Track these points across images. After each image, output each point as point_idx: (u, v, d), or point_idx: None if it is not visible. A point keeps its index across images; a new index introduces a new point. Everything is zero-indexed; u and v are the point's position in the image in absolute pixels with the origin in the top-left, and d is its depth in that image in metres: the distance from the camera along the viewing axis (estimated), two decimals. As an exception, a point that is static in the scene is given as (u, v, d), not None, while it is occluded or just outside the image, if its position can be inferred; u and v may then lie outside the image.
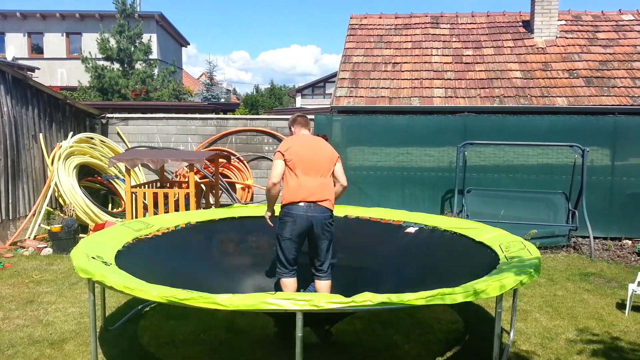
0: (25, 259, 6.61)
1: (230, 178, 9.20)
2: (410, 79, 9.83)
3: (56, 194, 7.87)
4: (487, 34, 11.11)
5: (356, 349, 3.94)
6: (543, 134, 7.87)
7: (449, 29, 11.40)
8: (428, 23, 11.61)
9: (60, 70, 23.73)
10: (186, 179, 8.56)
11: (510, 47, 10.62)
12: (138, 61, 19.67)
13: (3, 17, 23.45)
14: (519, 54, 10.34)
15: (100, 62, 19.08)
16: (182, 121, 9.48)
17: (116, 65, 19.45)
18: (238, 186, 9.19)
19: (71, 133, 8.56)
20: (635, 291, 4.75)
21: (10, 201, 7.34)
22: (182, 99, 21.35)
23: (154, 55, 21.50)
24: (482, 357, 3.78)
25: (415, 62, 10.31)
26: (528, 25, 11.17)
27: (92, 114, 9.30)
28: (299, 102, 31.60)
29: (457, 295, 2.69)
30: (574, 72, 9.67)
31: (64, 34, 23.97)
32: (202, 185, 8.04)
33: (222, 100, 25.82)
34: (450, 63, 10.24)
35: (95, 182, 8.75)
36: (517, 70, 9.86)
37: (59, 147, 8.08)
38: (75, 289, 5.40)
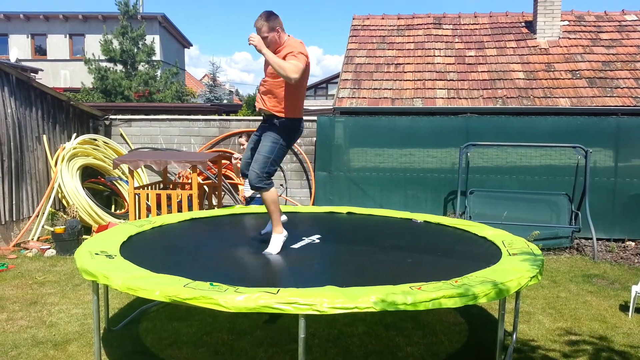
0: (28, 260, 6.63)
1: (233, 179, 9.21)
2: (412, 80, 9.84)
3: (60, 195, 7.89)
4: (489, 35, 11.11)
5: (359, 351, 3.94)
6: (546, 135, 7.86)
7: (452, 29, 11.40)
8: (430, 24, 11.62)
9: (64, 71, 23.81)
10: (189, 180, 8.58)
11: (513, 47, 10.61)
12: (141, 62, 19.73)
13: (6, 18, 23.53)
14: (522, 55, 10.33)
15: (103, 64, 19.15)
16: (185, 122, 9.50)
17: (119, 67, 19.52)
18: (241, 187, 9.20)
19: (75, 134, 8.58)
20: (639, 293, 4.74)
21: (13, 202, 7.36)
22: (185, 101, 21.40)
23: (157, 56, 21.56)
24: (485, 359, 3.78)
25: (417, 63, 10.31)
26: (531, 25, 11.16)
27: (96, 116, 9.33)
28: (302, 103, 31.53)
29: (459, 299, 2.69)
30: (577, 72, 9.66)
31: (67, 35, 24.04)
32: (205, 187, 8.05)
33: (225, 101, 25.87)
34: (453, 64, 10.24)
35: (99, 184, 8.77)
36: (520, 71, 9.86)
37: (63, 148, 8.11)
38: (78, 290, 5.42)
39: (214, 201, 8.12)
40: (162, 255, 3.80)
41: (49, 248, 6.99)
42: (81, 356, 3.85)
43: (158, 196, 7.00)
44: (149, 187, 7.62)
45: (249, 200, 6.87)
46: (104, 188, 8.85)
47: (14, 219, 7.41)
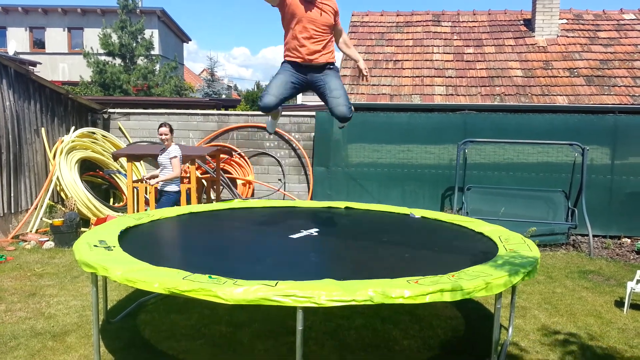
0: (27, 253, 6.64)
1: (232, 174, 9.23)
2: (411, 77, 9.85)
3: (58, 188, 7.90)
4: (488, 32, 11.12)
5: (356, 344, 3.97)
6: (543, 133, 7.89)
7: (451, 26, 11.41)
8: (429, 21, 11.63)
9: (62, 65, 23.75)
10: (187, 174, 8.59)
11: (511, 45, 10.63)
12: (140, 57, 19.70)
13: (5, 11, 23.45)
14: (520, 53, 10.36)
15: (102, 58, 19.11)
16: (183, 117, 9.50)
17: (118, 61, 19.49)
18: (239, 182, 9.22)
19: (73, 127, 8.58)
20: (634, 289, 4.78)
21: (12, 195, 7.37)
22: (184, 95, 21.38)
23: (156, 51, 21.53)
24: (481, 354, 3.81)
25: (416, 60, 10.33)
26: (529, 23, 11.18)
27: (94, 109, 9.33)
28: (300, 98, 31.57)
29: (454, 292, 2.72)
30: (575, 70, 9.69)
31: (66, 29, 23.98)
32: (203, 181, 8.07)
33: (224, 96, 25.84)
34: (452, 61, 10.26)
35: (97, 177, 8.78)
36: (518, 69, 9.88)
37: (61, 141, 8.11)
38: (77, 282, 5.44)
39: (212, 195, 8.14)
40: (160, 248, 3.83)
41: (48, 240, 7.00)
42: (80, 347, 3.88)
43: (157, 189, 7.00)
44: (148, 180, 7.62)
45: (159, 194, 6.38)
46: (102, 181, 8.86)
47: (12, 211, 7.42)
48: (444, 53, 10.52)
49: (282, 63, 4.22)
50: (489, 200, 7.83)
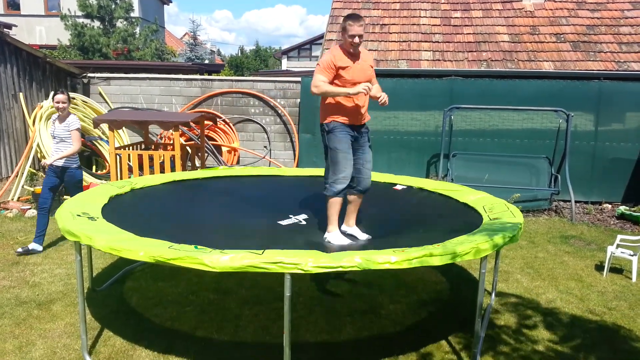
0: (9, 221, 6.54)
1: (216, 140, 9.13)
2: (398, 41, 9.73)
3: (39, 155, 7.74)
4: (476, -4, 10.96)
5: (343, 309, 4.02)
6: (529, 99, 7.89)
7: (438, -10, 11.21)
8: (417, -17, 11.39)
9: (39, 28, 22.96)
10: (171, 141, 8.47)
11: (498, 9, 10.52)
12: (119, 19, 19.09)
13: (-24, -30, 22.46)
14: (507, 17, 10.26)
15: (80, 20, 18.48)
16: (166, 82, 9.31)
17: (96, 23, 18.88)
18: (224, 149, 9.13)
19: (52, 93, 8.36)
20: (614, 253, 4.89)
21: (-9, 162, 7.22)
22: (165, 59, 20.89)
23: (136, 13, 20.87)
24: (465, 317, 3.89)
25: (403, 24, 10.18)
26: (518, -13, 11.03)
27: (73, 73, 9.08)
28: (285, 64, 31.12)
29: (440, 257, 2.74)
30: (562, 36, 9.64)
31: (41, -11, 23.07)
32: (188, 148, 7.96)
33: (207, 61, 25.34)
34: (439, 25, 10.13)
35: (78, 144, 8.60)
36: (505, 34, 9.80)
37: (40, 107, 7.91)
38: (61, 250, 5.39)
39: (197, 162, 8.06)
40: (144, 219, 3.77)
41: (30, 208, 6.90)
42: (65, 315, 3.87)
43: (140, 157, 6.91)
44: (131, 147, 7.51)
45: (61, 173, 5.41)
46: (84, 148, 8.70)
47: (-8, 179, 7.28)
48: (431, 17, 10.38)
49: (335, 128, 3.87)
50: (474, 167, 7.87)
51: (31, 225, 6.36)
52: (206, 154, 8.38)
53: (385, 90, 4.02)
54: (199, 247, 2.71)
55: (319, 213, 4.43)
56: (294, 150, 9.14)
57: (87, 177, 7.78)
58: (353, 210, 4.11)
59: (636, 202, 7.55)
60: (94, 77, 9.29)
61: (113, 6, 18.87)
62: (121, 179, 6.89)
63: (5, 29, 13.66)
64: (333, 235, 3.93)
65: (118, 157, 6.89)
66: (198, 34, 26.74)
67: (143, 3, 23.58)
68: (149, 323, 3.79)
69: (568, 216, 7.17)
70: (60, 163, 5.34)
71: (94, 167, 8.81)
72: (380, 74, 8.80)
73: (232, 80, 9.39)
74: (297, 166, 8.85)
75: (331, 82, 3.79)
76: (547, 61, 9.07)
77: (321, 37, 21.49)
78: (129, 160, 7.00)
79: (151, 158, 7.02)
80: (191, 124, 8.46)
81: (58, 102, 5.25)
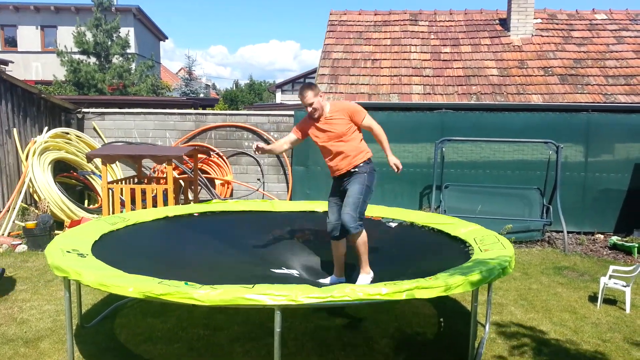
0: (-2, 256, 6.48)
1: (210, 174, 9.14)
2: (389, 76, 9.90)
3: (31, 190, 7.72)
4: (464, 32, 11.23)
5: (335, 344, 3.97)
6: (519, 131, 8.00)
7: (428, 26, 11.49)
8: (407, 20, 11.69)
9: (35, 64, 23.25)
10: (164, 175, 8.48)
11: (487, 44, 10.75)
12: (115, 55, 19.37)
13: (-26, 9, 22.86)
14: (496, 52, 10.48)
15: (76, 56, 18.74)
16: (160, 116, 9.38)
17: (92, 60, 19.14)
18: (217, 182, 9.14)
19: (46, 128, 8.40)
20: (607, 284, 4.88)
21: (-18, 197, 7.18)
22: (161, 94, 21.11)
23: (132, 49, 21.20)
24: (459, 350, 3.85)
25: (394, 59, 10.37)
26: (505, 23, 11.32)
27: (68, 109, 9.14)
28: (279, 97, 31.46)
29: (430, 289, 2.73)
30: (549, 69, 9.85)
31: (39, 27, 23.46)
32: (181, 181, 7.97)
33: (202, 95, 25.62)
34: (429, 60, 10.33)
35: (71, 178, 8.61)
36: (494, 68, 10.00)
37: (34, 142, 7.93)
38: (50, 287, 5.32)
39: (190, 195, 8.05)
40: (135, 257, 3.75)
41: (20, 243, 6.84)
42: (53, 353, 3.79)
43: (132, 191, 6.91)
44: (123, 181, 7.52)
45: None
46: (76, 182, 8.69)
47: (-17, 215, 7.23)
48: (422, 52, 10.59)
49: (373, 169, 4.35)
50: (466, 198, 7.91)
51: (21, 261, 6.31)
52: (199, 187, 8.39)
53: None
54: (189, 283, 2.69)
55: (313, 264, 4.45)
56: (287, 183, 9.16)
57: (78, 212, 7.75)
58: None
59: (628, 232, 7.58)
60: (88, 112, 9.35)
61: (109, 43, 19.17)
62: (113, 213, 6.87)
63: (2, 65, 13.83)
64: (370, 278, 4.09)
65: (110, 191, 6.88)
66: (193, 69, 27.14)
67: (139, 39, 23.99)
68: (137, 360, 3.73)
69: (561, 247, 7.18)
70: None
71: (86, 201, 8.79)
72: (372, 107, 8.96)
73: (226, 114, 9.47)
74: (291, 199, 8.86)
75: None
76: (535, 94, 9.23)
77: (314, 71, 21.82)
78: (122, 195, 7.00)
79: (144, 192, 7.02)
80: (184, 157, 8.49)
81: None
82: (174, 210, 5.29)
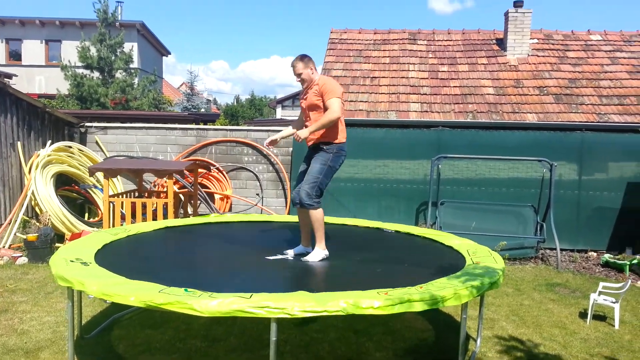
0: None
1: (209, 188, 9.27)
2: (387, 93, 10.08)
3: (33, 203, 7.84)
4: (462, 51, 11.45)
5: (329, 357, 4.05)
6: (514, 149, 8.14)
7: (426, 45, 11.72)
8: (406, 39, 11.92)
9: (39, 77, 23.53)
10: (164, 189, 8.61)
11: (484, 64, 10.96)
12: (118, 70, 19.63)
13: (-20, 23, 23.19)
14: (492, 71, 10.68)
15: (80, 71, 18.99)
16: (161, 131, 9.54)
17: (96, 74, 19.39)
18: (217, 196, 9.26)
19: (49, 141, 8.55)
20: (596, 300, 4.98)
21: (-15, 209, 7.30)
22: (162, 109, 21.34)
23: (135, 64, 21.49)
24: (450, 364, 3.94)
25: (392, 77, 10.57)
26: (501, 43, 11.54)
27: (71, 123, 9.30)
28: (280, 113, 31.74)
29: (422, 302, 2.84)
30: (545, 89, 10.03)
31: (43, 41, 23.79)
32: (181, 195, 8.09)
33: (203, 110, 25.86)
34: (427, 78, 10.53)
35: (73, 191, 8.73)
36: (490, 87, 10.19)
37: (37, 155, 8.07)
38: (50, 298, 5.41)
39: (190, 210, 8.17)
40: (137, 263, 3.87)
41: (21, 256, 6.94)
42: (53, 363, 3.88)
43: (133, 204, 7.02)
44: (124, 195, 7.64)
45: None
46: (77, 196, 8.81)
47: (-14, 226, 7.33)
48: (420, 71, 10.79)
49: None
50: (461, 214, 8.02)
51: (21, 273, 6.40)
52: (199, 202, 8.50)
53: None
54: (188, 290, 2.80)
55: (303, 252, 4.60)
56: (285, 198, 9.28)
57: (79, 225, 7.86)
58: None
59: (620, 250, 7.68)
60: (91, 127, 9.51)
61: (113, 58, 19.43)
62: (114, 226, 6.97)
63: (6, 79, 14.05)
64: (323, 254, 4.33)
65: (111, 204, 7.00)
66: (195, 84, 27.41)
67: (142, 54, 24.30)
68: (136, 370, 3.81)
69: (554, 264, 7.27)
70: None
71: (86, 215, 8.90)
72: (370, 125, 9.15)
73: (226, 130, 9.63)
74: (289, 213, 8.97)
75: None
76: (530, 113, 9.41)
77: (315, 87, 22.07)
78: (122, 208, 7.11)
79: (144, 205, 7.14)
80: (185, 171, 8.62)
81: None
82: (173, 223, 5.41)
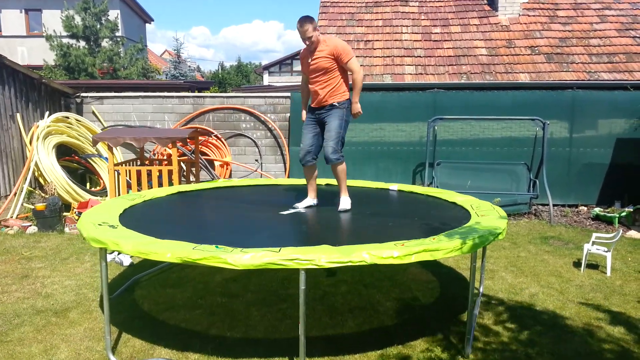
0: (11, 238, 6.71)
1: (209, 155, 9.39)
2: (382, 57, 10.16)
3: (36, 174, 7.92)
4: (454, 12, 11.49)
5: (343, 307, 4.32)
6: (507, 109, 8.34)
7: (418, 6, 11.73)
8: (397, 1, 11.90)
9: (21, 48, 22.99)
10: (164, 157, 8.71)
11: (476, 25, 11.04)
12: (104, 39, 19.29)
13: (-44, -8, 22.47)
14: (484, 32, 10.78)
15: (65, 40, 18.64)
16: (158, 100, 9.57)
17: (82, 43, 19.04)
18: (217, 163, 9.40)
19: (47, 113, 8.56)
20: (590, 250, 5.29)
21: (-10, 181, 7.38)
22: (151, 77, 21.10)
23: (119, 32, 21.09)
24: (456, 310, 4.23)
25: (386, 40, 10.62)
26: (493, 3, 11.60)
27: (67, 94, 9.29)
28: (267, 79, 31.45)
29: (438, 251, 3.07)
30: (536, 48, 10.18)
31: (23, 10, 23.15)
32: (182, 163, 8.21)
33: (189, 77, 25.58)
34: (420, 41, 10.60)
35: (73, 162, 8.81)
36: (483, 48, 10.31)
37: (37, 126, 8.11)
38: (67, 264, 5.59)
39: (192, 177, 8.30)
40: (160, 225, 4.04)
41: (30, 225, 7.08)
42: (83, 321, 4.09)
43: (138, 172, 7.14)
44: (128, 163, 7.74)
45: None
46: (77, 166, 8.90)
47: (-8, 198, 7.43)
48: (413, 33, 10.85)
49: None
50: (457, 174, 8.28)
51: (34, 242, 6.56)
52: (200, 169, 8.64)
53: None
54: (219, 246, 2.99)
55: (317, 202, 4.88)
56: (284, 163, 9.45)
57: (84, 194, 7.98)
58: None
59: (610, 203, 8.02)
60: (87, 97, 9.51)
61: (98, 26, 19.07)
62: (120, 194, 7.11)
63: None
64: (349, 201, 4.67)
65: (116, 173, 7.11)
66: (181, 51, 27.02)
67: (126, 22, 23.81)
68: (163, 325, 4.04)
69: (547, 219, 7.59)
70: None
71: (88, 185, 9.00)
72: (366, 88, 9.26)
73: (223, 97, 9.69)
74: (289, 177, 9.15)
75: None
76: (523, 73, 9.58)
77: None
78: (127, 176, 7.24)
79: (148, 173, 7.26)
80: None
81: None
82: (186, 188, 5.58)
